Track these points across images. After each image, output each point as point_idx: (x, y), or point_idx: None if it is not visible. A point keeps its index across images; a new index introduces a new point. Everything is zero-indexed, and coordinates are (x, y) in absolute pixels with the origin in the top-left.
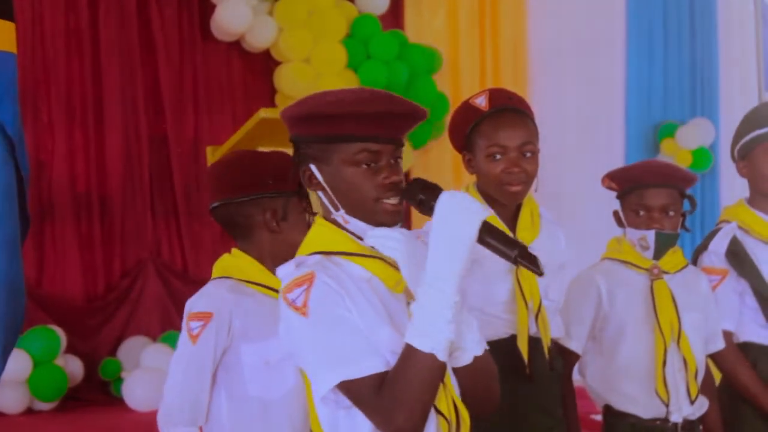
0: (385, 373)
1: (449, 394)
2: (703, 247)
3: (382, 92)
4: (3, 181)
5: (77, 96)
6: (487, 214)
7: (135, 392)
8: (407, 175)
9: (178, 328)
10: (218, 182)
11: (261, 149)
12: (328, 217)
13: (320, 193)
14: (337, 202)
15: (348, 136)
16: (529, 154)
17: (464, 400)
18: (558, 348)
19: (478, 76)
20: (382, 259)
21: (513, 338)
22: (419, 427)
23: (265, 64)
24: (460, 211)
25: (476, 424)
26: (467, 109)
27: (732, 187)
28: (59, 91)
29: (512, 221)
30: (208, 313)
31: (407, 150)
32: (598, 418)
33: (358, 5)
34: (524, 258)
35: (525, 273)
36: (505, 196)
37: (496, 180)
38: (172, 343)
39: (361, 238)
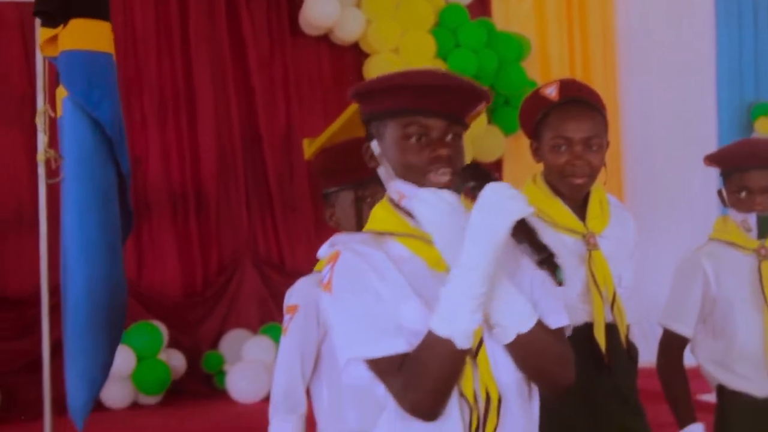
0: (406, 354)
1: (482, 374)
2: None
3: (438, 69)
4: (105, 183)
5: (169, 93)
6: (528, 212)
7: (238, 384)
8: (499, 162)
9: (278, 320)
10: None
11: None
12: (387, 195)
13: (380, 170)
14: (392, 173)
15: (398, 110)
16: (595, 148)
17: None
18: (666, 332)
19: (568, 61)
20: (423, 238)
21: (588, 326)
22: (435, 409)
23: (354, 56)
24: (500, 205)
25: (552, 409)
26: (537, 98)
27: None
28: (151, 88)
29: (581, 210)
30: (294, 306)
31: (499, 136)
32: (706, 398)
33: None
34: (548, 265)
35: (598, 262)
36: (567, 187)
37: (559, 171)
38: (273, 335)
39: (411, 217)
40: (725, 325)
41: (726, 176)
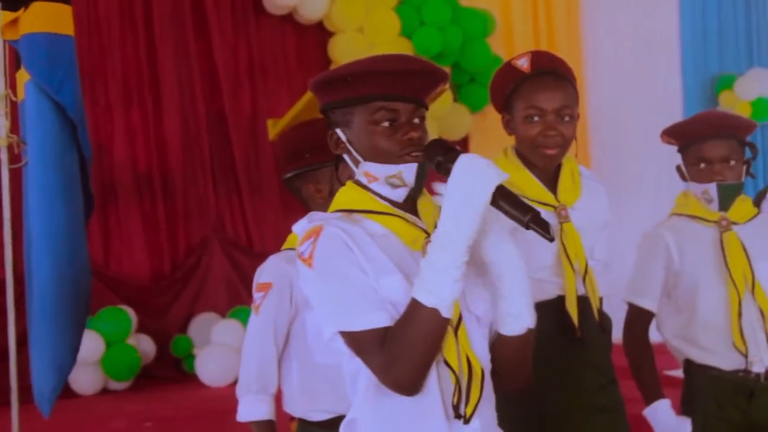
0: (389, 327)
1: (462, 347)
2: (764, 194)
3: (401, 54)
4: (69, 167)
5: (133, 76)
6: (504, 178)
7: (207, 368)
8: (466, 139)
9: (246, 303)
10: (276, 159)
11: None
12: (353, 179)
13: (346, 156)
14: (359, 158)
15: (366, 96)
16: (567, 119)
17: (499, 369)
18: (631, 308)
19: (532, 36)
20: (401, 216)
21: (561, 299)
22: (418, 382)
23: (318, 35)
24: (476, 174)
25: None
26: (509, 70)
27: None
28: (115, 72)
29: (552, 183)
30: (267, 284)
31: (465, 114)
32: (672, 373)
33: None
34: (536, 223)
35: (569, 235)
36: (540, 158)
37: (531, 142)
38: (241, 318)
39: (383, 197)
40: (690, 298)
41: (684, 150)
